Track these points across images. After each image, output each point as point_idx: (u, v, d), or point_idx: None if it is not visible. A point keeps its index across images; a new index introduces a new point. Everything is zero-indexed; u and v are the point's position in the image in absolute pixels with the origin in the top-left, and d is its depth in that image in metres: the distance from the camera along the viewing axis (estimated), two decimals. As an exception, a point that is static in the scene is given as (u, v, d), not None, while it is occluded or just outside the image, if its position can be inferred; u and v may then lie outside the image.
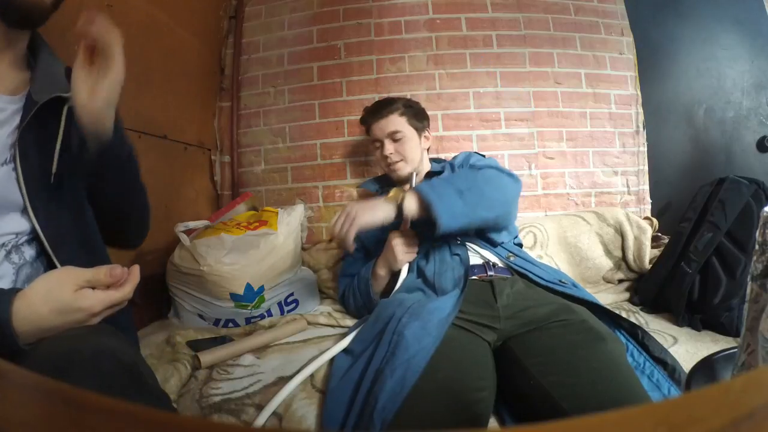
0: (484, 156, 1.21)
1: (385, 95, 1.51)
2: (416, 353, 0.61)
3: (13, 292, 0.47)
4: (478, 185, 0.91)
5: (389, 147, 1.16)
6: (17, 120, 0.60)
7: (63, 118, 0.64)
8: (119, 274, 0.52)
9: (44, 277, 0.50)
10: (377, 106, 1.22)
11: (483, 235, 1.02)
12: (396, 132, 1.16)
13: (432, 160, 1.27)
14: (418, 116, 1.22)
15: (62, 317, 0.48)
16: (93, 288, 0.51)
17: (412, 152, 1.17)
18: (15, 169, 0.59)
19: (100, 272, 0.51)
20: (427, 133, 1.24)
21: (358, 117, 1.53)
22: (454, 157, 1.24)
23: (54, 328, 0.48)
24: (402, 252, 0.96)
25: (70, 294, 0.48)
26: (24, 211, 0.60)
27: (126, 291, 0.54)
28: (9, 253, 0.59)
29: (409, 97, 1.36)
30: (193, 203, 1.43)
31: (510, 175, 0.99)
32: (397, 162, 1.16)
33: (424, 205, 0.85)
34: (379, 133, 1.18)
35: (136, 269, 0.56)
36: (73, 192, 0.66)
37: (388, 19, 1.56)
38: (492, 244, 1.01)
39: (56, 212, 0.63)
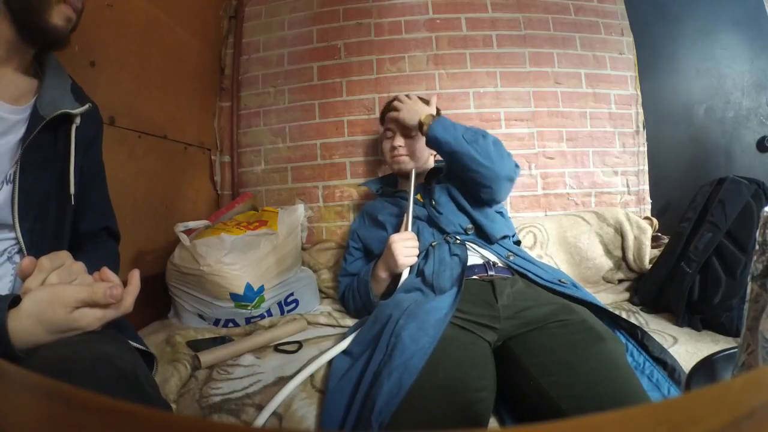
0: None
1: (385, 95, 1.52)
2: (413, 354, 0.61)
3: (5, 308, 0.45)
4: (480, 133, 1.03)
5: (399, 140, 1.18)
6: (19, 132, 0.59)
7: (72, 136, 0.63)
8: (118, 294, 0.50)
9: (35, 297, 0.46)
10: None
11: (481, 231, 1.03)
12: (411, 128, 1.17)
13: (436, 161, 1.28)
14: None
15: (58, 335, 0.47)
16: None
17: (421, 152, 1.18)
18: (13, 186, 0.58)
19: (98, 292, 0.48)
20: None
21: (358, 117, 1.54)
22: None
23: (50, 341, 0.46)
24: (403, 255, 0.95)
25: (64, 315, 0.46)
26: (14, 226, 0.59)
27: (127, 306, 0.52)
28: (11, 257, 0.60)
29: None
30: (193, 203, 1.43)
31: (511, 157, 1.06)
32: (403, 156, 1.17)
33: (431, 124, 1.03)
34: (393, 124, 1.19)
35: (135, 276, 0.54)
36: (61, 208, 0.65)
37: (388, 19, 1.56)
38: (488, 241, 1.02)
39: (42, 228, 0.62)
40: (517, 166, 1.06)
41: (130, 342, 0.59)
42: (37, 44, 0.59)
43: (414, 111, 1.11)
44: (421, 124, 1.07)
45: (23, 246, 0.59)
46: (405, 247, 0.96)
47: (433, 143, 1.04)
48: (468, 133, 1.01)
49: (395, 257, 0.95)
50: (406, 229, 1.02)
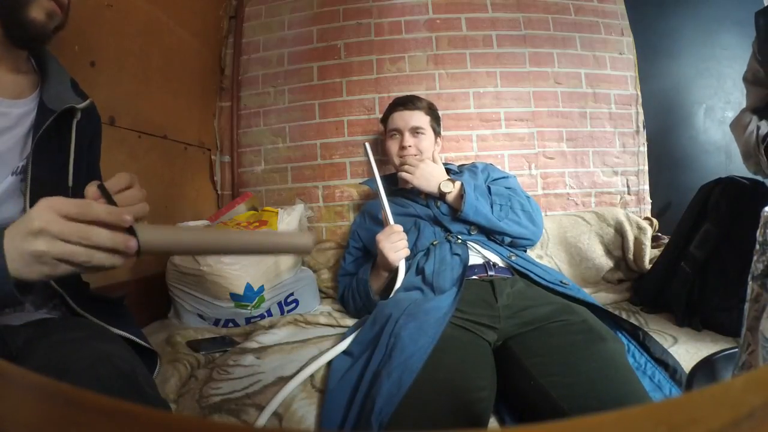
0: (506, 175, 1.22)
1: (385, 95, 1.52)
2: (413, 354, 0.61)
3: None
4: (509, 205, 1.04)
5: (409, 139, 1.17)
6: (24, 126, 0.59)
7: (73, 130, 0.64)
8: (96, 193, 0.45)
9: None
10: (405, 98, 1.24)
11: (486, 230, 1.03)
12: (419, 128, 1.18)
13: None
14: (437, 121, 1.25)
15: (21, 240, 0.39)
16: None
17: (427, 151, 1.18)
18: (24, 179, 0.58)
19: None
20: (439, 140, 1.26)
21: (358, 117, 1.54)
22: (472, 164, 1.25)
23: (21, 256, 0.39)
24: (393, 251, 0.95)
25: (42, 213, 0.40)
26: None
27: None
28: None
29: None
30: (193, 203, 1.43)
31: (540, 213, 1.09)
32: (414, 156, 1.15)
33: (460, 195, 1.02)
34: (402, 124, 1.19)
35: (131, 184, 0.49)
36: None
37: (388, 19, 1.56)
38: (496, 241, 1.02)
39: None
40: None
41: (135, 339, 0.60)
42: (19, 41, 0.59)
43: (428, 176, 1.08)
44: (442, 193, 1.06)
45: None
46: (392, 243, 0.96)
47: (465, 222, 1.04)
48: (499, 209, 1.02)
49: (386, 256, 0.95)
50: (388, 224, 1.01)
